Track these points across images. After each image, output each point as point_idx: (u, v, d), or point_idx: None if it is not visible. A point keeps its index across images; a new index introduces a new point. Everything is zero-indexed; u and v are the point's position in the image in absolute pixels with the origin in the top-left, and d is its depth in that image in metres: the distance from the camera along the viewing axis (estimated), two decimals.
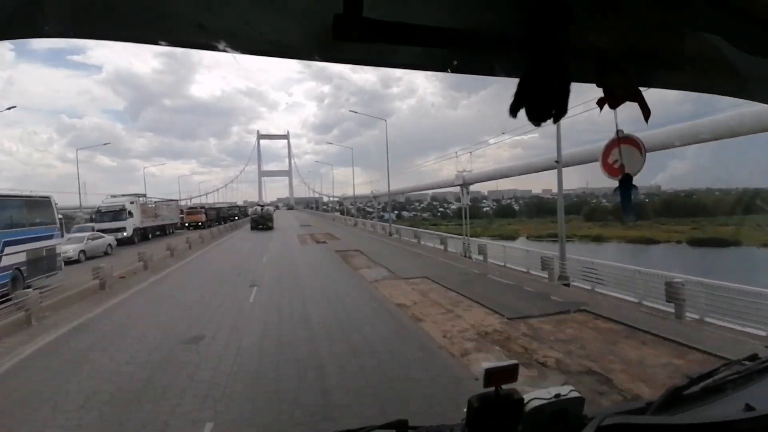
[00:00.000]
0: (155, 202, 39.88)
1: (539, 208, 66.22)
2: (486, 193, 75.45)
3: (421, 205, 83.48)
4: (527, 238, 44.19)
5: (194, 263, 19.44)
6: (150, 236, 34.52)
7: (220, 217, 54.82)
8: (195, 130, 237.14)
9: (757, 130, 9.08)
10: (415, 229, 29.05)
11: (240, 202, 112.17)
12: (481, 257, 17.52)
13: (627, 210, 1.00)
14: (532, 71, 0.74)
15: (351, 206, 62.44)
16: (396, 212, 77.63)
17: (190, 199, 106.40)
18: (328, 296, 11.66)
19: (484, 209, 75.89)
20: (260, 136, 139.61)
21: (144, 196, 35.98)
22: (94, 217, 31.58)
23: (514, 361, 1.06)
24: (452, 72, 0.91)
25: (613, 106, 0.83)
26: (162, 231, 38.23)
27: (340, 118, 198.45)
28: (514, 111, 0.75)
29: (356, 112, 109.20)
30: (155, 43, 0.80)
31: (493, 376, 1.02)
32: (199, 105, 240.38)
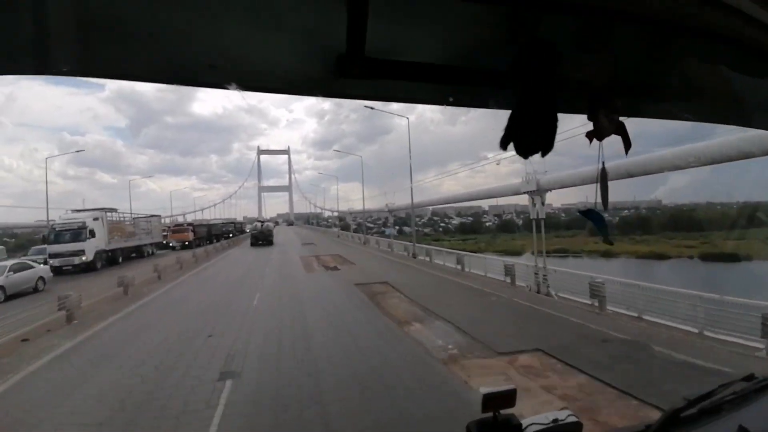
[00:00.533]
0: (133, 218, 33.88)
1: (543, 223, 65.30)
2: (487, 208, 76.56)
3: (422, 220, 79.81)
4: (532, 253, 41.06)
5: (147, 310, 13.17)
6: (120, 260, 28.41)
7: (211, 234, 48.75)
8: (196, 146, 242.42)
9: (747, 156, 8.99)
10: (456, 251, 22.60)
11: (240, 218, 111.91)
12: (553, 293, 12.28)
13: (603, 231, 1.02)
14: (520, 105, 0.78)
15: (352, 221, 60.66)
16: (397, 227, 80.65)
17: (184, 215, 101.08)
18: (376, 404, 5.58)
19: (486, 224, 77.01)
20: (260, 152, 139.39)
21: (114, 210, 29.96)
22: (46, 237, 25.49)
23: (512, 386, 1.07)
24: (448, 105, 0.94)
25: (600, 139, 0.84)
26: (138, 252, 32.15)
27: (341, 134, 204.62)
28: (504, 144, 0.78)
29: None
30: (166, 82, 0.83)
31: (491, 401, 1.04)
32: (200, 122, 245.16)
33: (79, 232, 25.18)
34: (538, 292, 13.78)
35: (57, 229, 25.70)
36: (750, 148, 8.83)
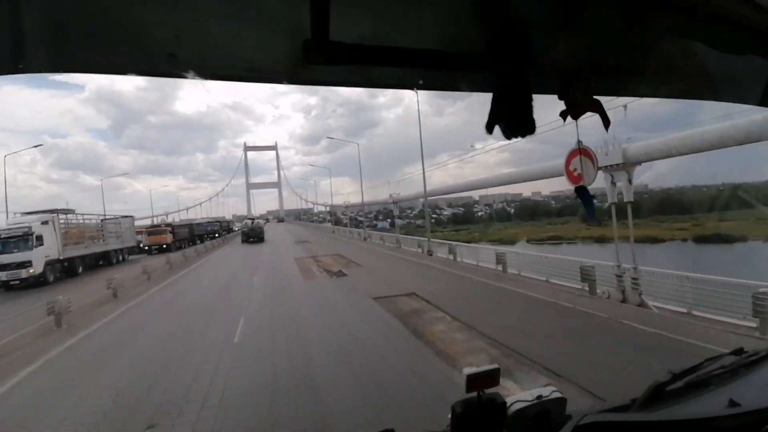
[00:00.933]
0: (100, 220, 29.32)
1: (533, 210, 66.76)
2: (477, 198, 75.87)
3: (413, 212, 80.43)
4: (527, 241, 43.15)
5: (66, 364, 9.07)
6: (80, 269, 24.01)
7: (193, 235, 44.24)
8: (181, 145, 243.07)
9: (732, 143, 9.10)
10: (494, 248, 18.13)
11: (229, 216, 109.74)
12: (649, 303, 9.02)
13: (590, 213, 1.02)
14: (500, 88, 0.77)
15: (343, 216, 58.75)
16: (389, 220, 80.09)
17: (167, 214, 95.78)
18: None
19: (478, 213, 76.24)
20: (247, 148, 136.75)
21: (70, 212, 25.42)
22: None
23: (495, 366, 1.06)
24: (420, 89, 0.96)
25: (575, 117, 0.83)
26: (106, 259, 27.74)
27: (328, 128, 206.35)
28: (489, 127, 0.78)
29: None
30: (128, 73, 0.80)
31: (474, 381, 1.03)
32: (184, 121, 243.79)
33: (24, 240, 20.81)
34: (624, 301, 10.02)
35: (2, 236, 21.26)
36: (737, 135, 8.87)
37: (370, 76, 0.89)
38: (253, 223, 46.08)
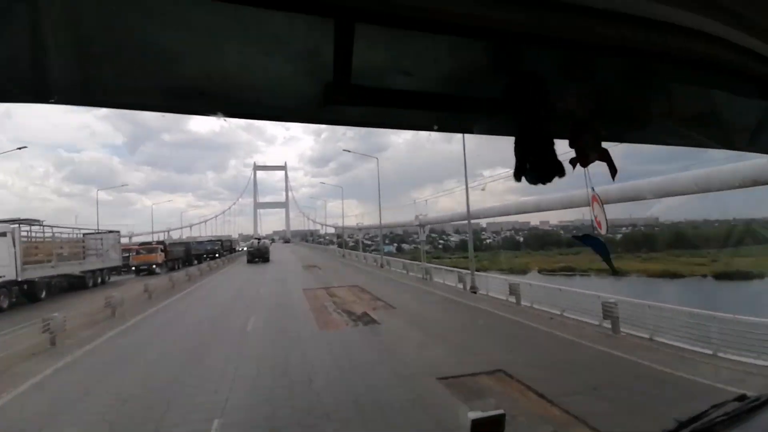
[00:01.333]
0: (81, 234, 25.23)
1: (544, 240, 65.60)
2: (485, 225, 74.50)
3: (419, 237, 77.78)
4: (539, 272, 42.49)
5: None
6: (43, 294, 19.72)
7: (190, 255, 39.98)
8: (193, 164, 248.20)
9: (725, 187, 9.75)
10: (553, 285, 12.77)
11: (235, 235, 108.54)
12: None
13: (606, 259, 0.99)
14: (521, 134, 0.80)
15: (349, 238, 57.70)
16: (395, 245, 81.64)
17: (168, 231, 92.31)
18: None
19: (486, 241, 74.85)
20: (257, 167, 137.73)
21: (35, 222, 21.31)
22: None
23: (500, 411, 1.06)
24: (434, 131, 0.99)
25: (585, 165, 0.84)
26: (80, 282, 23.50)
27: (337, 151, 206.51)
28: (518, 175, 0.80)
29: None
30: (157, 110, 0.85)
31: (478, 427, 1.03)
32: (197, 139, 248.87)
33: None
34: None
35: None
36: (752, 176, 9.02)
37: (388, 118, 0.91)
38: (259, 243, 45.50)
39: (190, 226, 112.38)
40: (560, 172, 0.79)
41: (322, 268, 32.77)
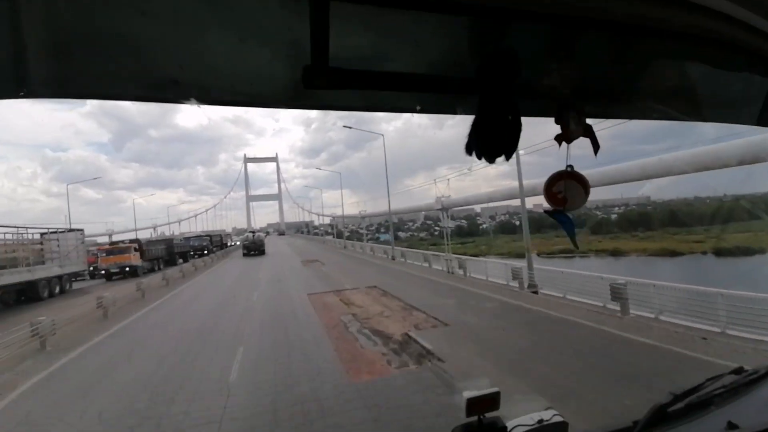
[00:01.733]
0: (32, 234, 20.54)
1: (539, 223, 66.14)
2: (479, 210, 73.45)
3: (415, 224, 79.20)
4: (538, 255, 39.61)
5: None
6: None
7: (173, 253, 35.33)
8: (182, 159, 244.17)
9: (721, 166, 9.77)
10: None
11: (229, 229, 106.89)
12: None
13: (571, 235, 1.00)
14: (482, 112, 0.78)
15: (344, 228, 55.85)
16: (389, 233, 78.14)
17: (155, 227, 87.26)
18: None
19: (482, 226, 73.79)
20: (247, 160, 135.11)
21: None
22: None
23: (496, 389, 1.05)
24: (417, 113, 0.96)
25: (569, 141, 0.84)
26: (31, 292, 19.00)
27: (328, 141, 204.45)
28: (468, 150, 0.78)
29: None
30: (130, 99, 0.82)
31: (475, 405, 1.03)
32: (185, 134, 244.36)
33: None
34: None
35: None
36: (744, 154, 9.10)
37: (370, 100, 0.89)
38: (254, 236, 45.64)
39: (179, 222, 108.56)
40: (508, 152, 0.78)
41: (325, 262, 28.46)
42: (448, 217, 22.74)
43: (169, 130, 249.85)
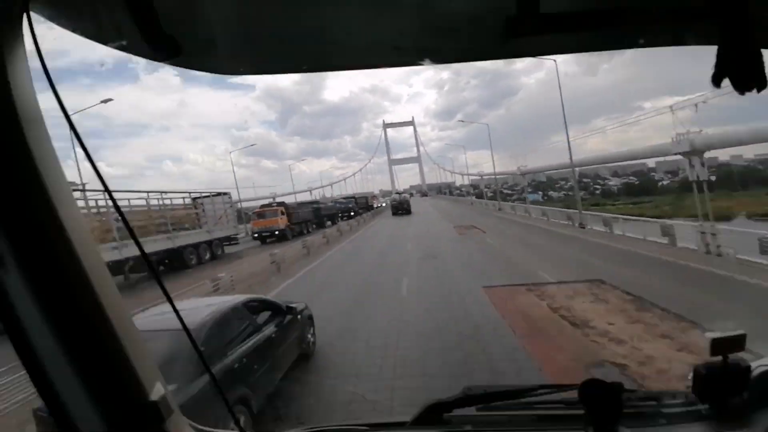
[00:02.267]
0: (164, 199, 19.44)
1: (743, 178, 54.00)
2: (653, 165, 64.78)
3: (568, 183, 71.37)
4: (748, 217, 29.74)
5: None
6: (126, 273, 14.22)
7: (321, 216, 34.26)
8: (332, 130, 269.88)
9: None
10: None
11: (376, 191, 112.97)
12: None
13: None
14: (726, 41, 0.71)
15: (486, 188, 55.29)
16: (539, 192, 74.07)
17: (310, 190, 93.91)
18: None
19: (661, 183, 65.37)
20: (386, 125, 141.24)
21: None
22: None
23: (742, 331, 1.02)
24: (641, 47, 0.86)
25: None
26: (176, 259, 18.19)
27: (462, 101, 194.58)
28: (716, 80, 0.72)
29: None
30: (301, 71, 0.85)
31: (719, 345, 1.01)
32: (332, 108, 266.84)
33: None
34: None
35: None
36: None
37: (578, 42, 0.86)
38: (400, 196, 49.03)
39: (331, 185, 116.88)
40: (763, 82, 0.69)
41: (485, 229, 22.31)
42: (704, 164, 13.52)
43: (318, 105, 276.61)
